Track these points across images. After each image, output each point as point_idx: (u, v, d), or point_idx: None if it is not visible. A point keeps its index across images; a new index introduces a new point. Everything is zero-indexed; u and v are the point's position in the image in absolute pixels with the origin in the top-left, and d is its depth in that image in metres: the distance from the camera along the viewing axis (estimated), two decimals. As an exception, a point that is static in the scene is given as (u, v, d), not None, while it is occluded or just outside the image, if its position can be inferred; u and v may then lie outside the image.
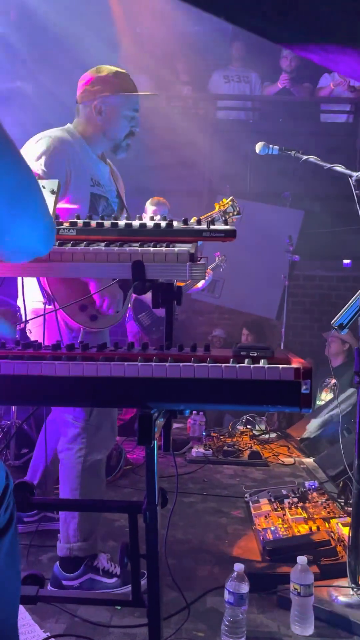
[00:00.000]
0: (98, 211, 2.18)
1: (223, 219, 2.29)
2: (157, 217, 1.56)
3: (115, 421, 2.26)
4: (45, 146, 2.06)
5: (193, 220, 1.61)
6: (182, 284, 3.83)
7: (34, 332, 2.09)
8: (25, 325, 2.00)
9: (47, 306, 1.91)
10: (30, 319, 1.99)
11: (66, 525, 2.10)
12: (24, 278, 1.95)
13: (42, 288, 1.94)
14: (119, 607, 2.00)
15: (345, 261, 6.27)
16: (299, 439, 4.23)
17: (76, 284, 1.87)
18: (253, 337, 5.47)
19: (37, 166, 2.01)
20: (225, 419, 5.07)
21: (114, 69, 2.21)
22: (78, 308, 1.94)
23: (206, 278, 4.14)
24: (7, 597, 1.01)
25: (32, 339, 2.09)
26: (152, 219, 1.59)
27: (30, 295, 2.04)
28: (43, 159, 2.03)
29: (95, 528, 2.16)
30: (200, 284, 4.25)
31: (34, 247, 1.02)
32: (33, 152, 2.05)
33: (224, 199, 2.29)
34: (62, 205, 2.06)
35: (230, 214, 2.71)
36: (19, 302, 2.12)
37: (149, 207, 4.25)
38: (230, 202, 2.30)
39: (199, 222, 1.54)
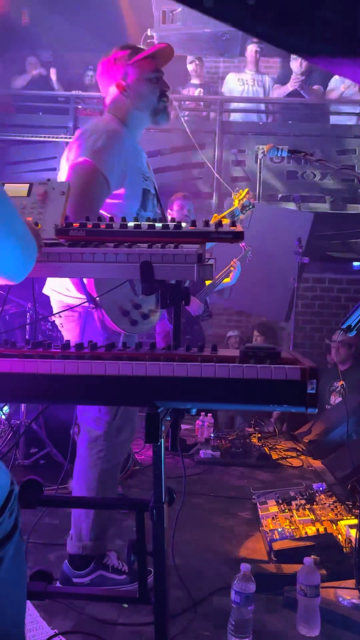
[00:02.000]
0: (148, 207, 2.15)
1: (241, 213, 2.28)
2: (185, 212, 1.56)
3: (134, 426, 2.28)
4: (104, 140, 1.98)
5: (214, 219, 1.62)
6: (209, 282, 3.78)
7: (66, 327, 2.10)
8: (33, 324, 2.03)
9: (93, 309, 1.96)
10: (32, 321, 2.02)
11: (79, 523, 2.11)
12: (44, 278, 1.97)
13: (86, 291, 1.95)
14: (125, 605, 2.02)
15: (355, 264, 6.25)
16: (307, 441, 4.22)
17: (120, 288, 1.84)
18: (263, 339, 5.47)
19: (97, 163, 1.95)
20: (236, 420, 5.08)
21: (125, 44, 2.17)
22: (121, 313, 1.96)
23: (234, 270, 4.12)
24: (14, 601, 1.02)
25: (63, 333, 2.13)
26: (175, 216, 1.60)
27: (57, 285, 2.06)
28: (101, 154, 1.96)
29: (107, 527, 2.18)
30: (229, 278, 4.23)
31: (5, 276, 1.10)
32: (89, 146, 1.97)
33: (240, 190, 2.29)
34: (111, 200, 2.02)
35: (247, 208, 2.71)
36: (52, 300, 2.16)
37: (176, 203, 4.23)
38: (246, 195, 2.31)
39: (206, 223, 1.55)
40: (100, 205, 2.00)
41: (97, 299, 1.91)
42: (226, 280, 4.16)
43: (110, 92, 2.16)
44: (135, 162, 2.12)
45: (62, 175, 2.09)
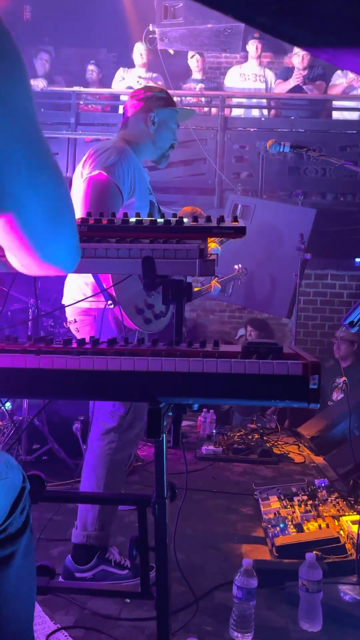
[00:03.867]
0: (155, 217, 2.29)
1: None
2: None
3: (144, 423, 2.32)
4: (115, 157, 2.19)
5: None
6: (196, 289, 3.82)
7: (82, 332, 2.21)
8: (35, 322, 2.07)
9: (112, 307, 2.04)
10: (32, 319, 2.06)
11: (86, 512, 2.16)
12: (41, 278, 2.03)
13: (104, 291, 2.04)
14: (128, 600, 2.02)
15: (358, 260, 6.24)
16: (309, 437, 4.22)
17: (135, 287, 1.97)
18: (257, 334, 5.50)
19: (111, 176, 2.14)
20: (234, 417, 5.07)
21: (161, 87, 2.46)
22: (135, 311, 2.05)
23: (214, 288, 4.11)
24: (24, 596, 1.03)
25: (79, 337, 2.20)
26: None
27: (74, 294, 2.20)
28: (114, 169, 2.16)
29: (112, 520, 2.22)
30: (210, 290, 4.25)
31: (63, 265, 0.99)
32: (102, 162, 2.17)
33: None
34: (124, 210, 2.18)
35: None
36: (65, 299, 2.30)
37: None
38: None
39: (208, 219, 1.55)
40: (117, 212, 2.13)
41: (115, 297, 2.01)
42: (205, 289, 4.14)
43: (136, 117, 2.40)
44: (142, 177, 2.34)
45: (76, 189, 2.25)
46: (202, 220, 1.57)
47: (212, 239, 2.49)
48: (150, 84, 5.80)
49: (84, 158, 2.28)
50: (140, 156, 2.39)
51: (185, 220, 1.56)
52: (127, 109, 2.44)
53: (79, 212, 2.10)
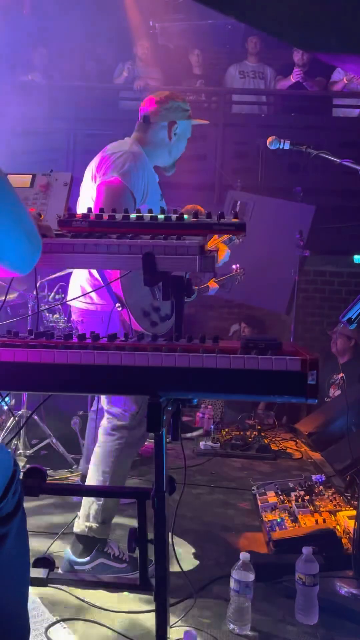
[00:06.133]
0: None
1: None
2: None
3: None
4: (131, 162, 2.21)
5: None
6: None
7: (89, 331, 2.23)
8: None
9: (120, 309, 2.09)
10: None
11: (89, 504, 2.19)
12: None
13: (112, 292, 2.09)
14: (126, 593, 2.04)
15: (356, 257, 6.25)
16: (307, 433, 4.24)
17: (141, 291, 1.98)
18: (250, 330, 5.52)
19: (126, 181, 2.16)
20: (225, 413, 5.08)
21: (183, 97, 2.52)
22: (142, 314, 2.08)
23: (211, 289, 4.11)
24: (18, 578, 1.07)
25: None
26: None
27: (86, 299, 2.23)
28: (130, 175, 2.18)
29: (114, 513, 2.24)
30: (210, 290, 4.25)
31: (12, 267, 1.09)
32: (119, 167, 2.19)
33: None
34: None
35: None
36: (74, 312, 2.33)
37: None
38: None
39: (209, 215, 1.56)
40: None
41: (123, 299, 2.05)
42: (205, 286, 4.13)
43: (160, 125, 2.39)
44: (154, 182, 2.37)
45: (86, 189, 2.28)
46: (202, 217, 1.58)
47: (223, 244, 2.54)
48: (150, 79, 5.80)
49: (97, 160, 2.28)
50: (152, 161, 2.40)
51: (185, 216, 1.57)
52: (148, 113, 2.40)
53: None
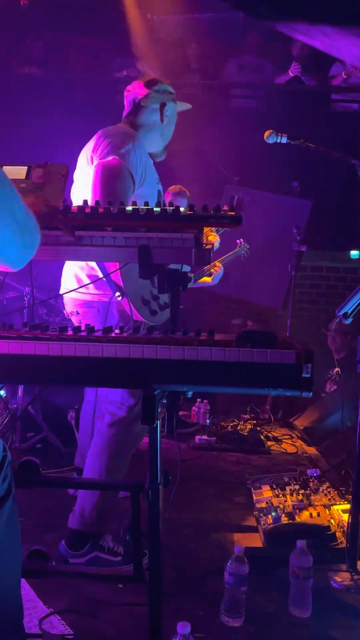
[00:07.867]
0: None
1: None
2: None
3: None
4: (130, 144, 2.18)
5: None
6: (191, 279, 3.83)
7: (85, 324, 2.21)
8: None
9: (120, 299, 2.05)
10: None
11: (85, 499, 2.18)
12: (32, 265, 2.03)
13: (111, 282, 2.05)
14: (121, 585, 2.05)
15: (353, 252, 6.25)
16: (302, 428, 4.25)
17: (140, 280, 1.97)
18: (256, 326, 5.51)
19: (125, 162, 2.13)
20: (233, 407, 5.09)
21: (167, 80, 2.49)
22: (142, 302, 2.06)
23: (218, 272, 3.99)
24: (9, 564, 1.08)
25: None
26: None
27: (72, 285, 2.20)
28: (129, 155, 2.15)
29: (110, 508, 2.23)
30: (210, 279, 4.14)
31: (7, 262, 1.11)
32: (117, 148, 2.14)
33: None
34: (134, 199, 2.19)
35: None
36: (67, 302, 2.28)
37: (169, 196, 4.19)
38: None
39: (205, 208, 1.55)
40: (128, 200, 2.10)
41: (123, 287, 2.02)
42: (207, 279, 4.04)
43: (151, 107, 2.36)
44: (151, 165, 2.33)
45: (82, 174, 2.23)
46: (198, 209, 1.57)
47: (211, 230, 2.52)
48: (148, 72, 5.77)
49: (92, 143, 2.23)
50: (146, 146, 2.36)
51: (182, 209, 1.57)
52: (139, 97, 2.36)
53: (88, 198, 2.06)
